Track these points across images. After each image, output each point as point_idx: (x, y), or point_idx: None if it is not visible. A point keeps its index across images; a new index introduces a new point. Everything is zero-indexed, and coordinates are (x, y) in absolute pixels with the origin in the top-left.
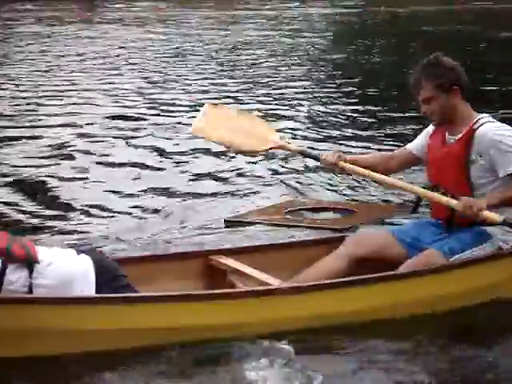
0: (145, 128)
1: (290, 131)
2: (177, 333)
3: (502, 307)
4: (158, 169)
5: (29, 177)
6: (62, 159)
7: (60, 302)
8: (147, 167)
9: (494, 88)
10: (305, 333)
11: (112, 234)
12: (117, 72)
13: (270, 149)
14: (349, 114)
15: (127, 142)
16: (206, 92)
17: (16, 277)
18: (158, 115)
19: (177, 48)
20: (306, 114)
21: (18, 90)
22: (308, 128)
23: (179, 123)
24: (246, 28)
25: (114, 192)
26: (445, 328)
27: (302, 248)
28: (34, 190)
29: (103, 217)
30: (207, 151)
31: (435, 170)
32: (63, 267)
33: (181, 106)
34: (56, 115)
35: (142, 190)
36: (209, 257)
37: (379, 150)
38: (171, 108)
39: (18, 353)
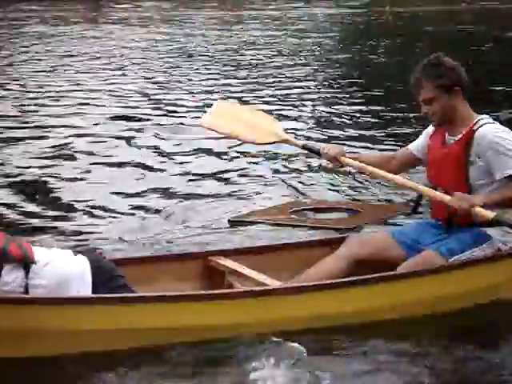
0: (148, 128)
1: (294, 131)
2: (174, 333)
3: (502, 308)
4: (161, 169)
5: (30, 177)
6: (63, 160)
7: (56, 302)
8: (149, 168)
9: (499, 88)
10: (304, 333)
11: (113, 234)
12: (121, 72)
13: (274, 142)
14: (353, 114)
15: (130, 143)
16: (211, 92)
17: (12, 277)
18: (162, 116)
19: (181, 48)
20: (311, 115)
21: (23, 90)
22: (312, 128)
23: (182, 124)
24: (251, 28)
25: (115, 192)
26: (445, 328)
27: (302, 249)
28: (36, 190)
29: (105, 217)
30: (210, 152)
31: (435, 171)
32: (60, 268)
33: (184, 106)
34: (59, 116)
35: (144, 191)
36: (208, 258)
37: (383, 150)
38: (175, 108)
39: (15, 353)
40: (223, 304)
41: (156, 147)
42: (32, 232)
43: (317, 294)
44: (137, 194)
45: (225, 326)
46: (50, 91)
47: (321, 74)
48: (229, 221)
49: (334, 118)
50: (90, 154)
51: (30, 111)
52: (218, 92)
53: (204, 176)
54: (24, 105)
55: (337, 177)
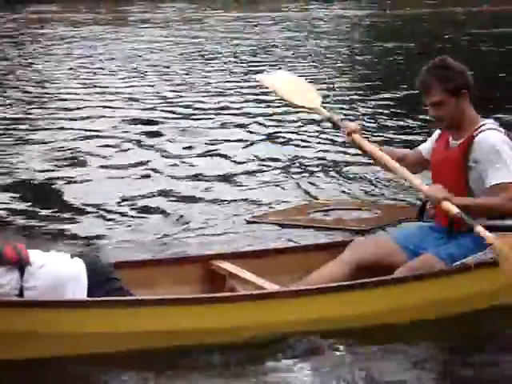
0: (162, 131)
1: (313, 133)
2: (172, 336)
3: (501, 313)
4: (172, 172)
5: (39, 179)
6: (74, 162)
7: (52, 305)
8: (161, 171)
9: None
10: (303, 336)
11: (122, 236)
12: (138, 74)
13: (303, 107)
14: (372, 115)
15: (144, 146)
16: (230, 95)
17: (7, 279)
18: (177, 118)
19: (199, 49)
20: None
21: (40, 92)
22: (333, 133)
23: (198, 127)
24: (271, 30)
25: (124, 195)
26: (444, 333)
27: (304, 253)
28: (42, 192)
29: (112, 219)
30: (223, 154)
31: (436, 174)
32: (55, 270)
33: (201, 109)
34: (74, 119)
35: (155, 193)
36: (209, 261)
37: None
38: (191, 111)
39: (11, 355)
40: (223, 307)
41: (170, 150)
42: (34, 234)
43: (316, 298)
44: (146, 197)
45: (225, 330)
46: (67, 93)
47: (342, 75)
48: (247, 221)
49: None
50: (101, 156)
51: (46, 113)
52: (236, 94)
53: (218, 178)
54: (41, 107)
55: (349, 179)
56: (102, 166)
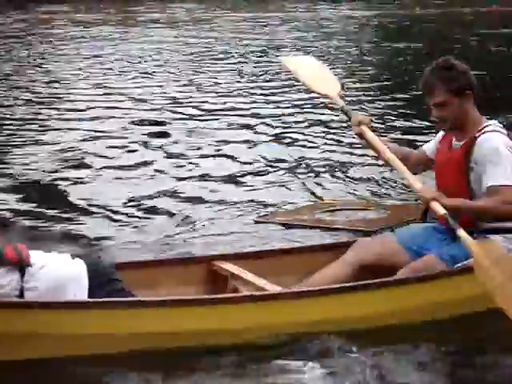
0: (169, 132)
1: (320, 134)
2: (172, 338)
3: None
4: (178, 173)
5: (43, 179)
6: (79, 163)
7: (53, 306)
8: (167, 171)
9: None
10: (306, 338)
11: (124, 237)
12: (147, 75)
13: (319, 93)
14: (381, 116)
15: (150, 147)
16: (238, 96)
17: (7, 280)
18: (185, 119)
19: (208, 50)
20: (340, 118)
21: (50, 93)
22: (340, 134)
23: (205, 128)
24: (280, 30)
25: (128, 195)
26: (447, 334)
27: (308, 253)
28: (46, 192)
29: (116, 220)
30: (230, 156)
31: (439, 174)
32: (56, 271)
33: (209, 110)
34: (83, 120)
35: (160, 194)
36: (212, 262)
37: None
38: (199, 112)
39: (12, 356)
40: (225, 309)
41: (177, 151)
42: (37, 234)
43: (318, 299)
44: (152, 197)
45: (226, 331)
46: (76, 94)
47: (351, 76)
48: (255, 221)
49: None
50: (108, 157)
51: (55, 114)
52: (245, 95)
53: (224, 179)
54: (50, 108)
55: (355, 180)
56: (108, 167)
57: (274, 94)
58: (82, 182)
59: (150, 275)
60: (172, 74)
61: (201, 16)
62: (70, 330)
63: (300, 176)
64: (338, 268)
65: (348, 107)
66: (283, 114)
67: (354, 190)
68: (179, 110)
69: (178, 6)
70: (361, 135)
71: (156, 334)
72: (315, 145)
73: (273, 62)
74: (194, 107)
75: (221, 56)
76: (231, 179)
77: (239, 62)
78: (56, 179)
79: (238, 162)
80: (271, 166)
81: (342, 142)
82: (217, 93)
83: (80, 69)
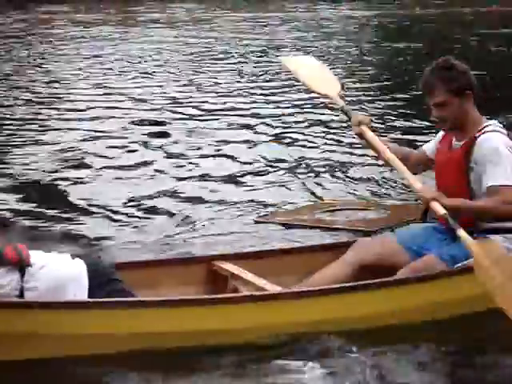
0: (170, 132)
1: (320, 134)
2: (171, 338)
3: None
4: (178, 173)
5: (44, 180)
6: (79, 163)
7: (53, 306)
8: (167, 171)
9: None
10: (306, 338)
11: (124, 237)
12: (147, 75)
13: (320, 93)
14: (382, 116)
15: (150, 147)
16: (239, 96)
17: (7, 280)
18: (185, 119)
19: (208, 50)
20: (341, 118)
21: (50, 93)
22: (340, 134)
23: (205, 128)
24: (280, 30)
25: (128, 196)
26: (447, 334)
27: (308, 253)
28: (46, 192)
29: (116, 220)
30: (230, 156)
31: (439, 175)
32: (56, 271)
33: (209, 110)
34: (83, 120)
35: (160, 194)
36: (212, 262)
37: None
38: (199, 112)
39: (12, 357)
40: (225, 309)
41: (177, 151)
42: (38, 234)
43: (318, 299)
44: (152, 197)
45: (226, 331)
46: (76, 94)
47: (351, 76)
48: (255, 221)
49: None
50: (108, 157)
51: (55, 114)
52: (245, 95)
53: (224, 179)
54: (50, 108)
55: (356, 180)
56: (108, 167)
57: (273, 94)
58: (81, 182)
59: (150, 275)
60: (172, 74)
61: (201, 16)
62: (70, 330)
63: (300, 176)
64: (338, 268)
65: (348, 107)
66: (283, 114)
67: (354, 189)
68: (179, 109)
69: (177, 5)
70: (361, 135)
71: (156, 334)
72: (315, 145)
73: (273, 62)
74: (193, 107)
75: (221, 56)
76: (231, 179)
77: (239, 62)
78: (56, 179)
79: (237, 162)
80: (271, 166)
81: (341, 142)
82: (217, 93)
83: (80, 69)
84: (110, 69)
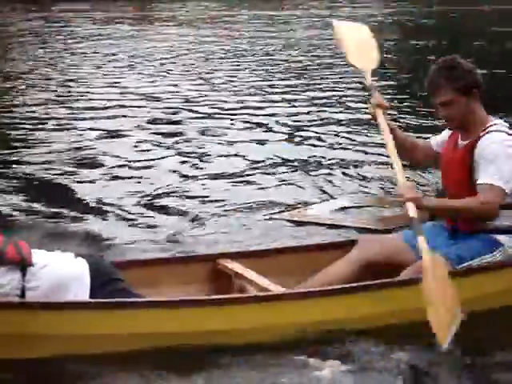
0: (184, 131)
1: (336, 133)
2: (172, 338)
3: (504, 314)
4: (190, 171)
5: (55, 178)
6: (91, 162)
7: (54, 306)
8: (179, 170)
9: None
10: (309, 338)
11: (132, 235)
12: (164, 73)
13: (354, 66)
14: (399, 114)
15: (164, 145)
16: (254, 95)
17: (8, 279)
18: (199, 118)
19: (225, 48)
20: (353, 117)
21: (66, 91)
22: (357, 132)
23: (219, 127)
24: (298, 28)
25: (138, 194)
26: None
27: (313, 252)
28: (56, 191)
29: (126, 219)
30: (242, 155)
31: (445, 173)
32: (58, 270)
33: (223, 108)
34: (97, 119)
35: (171, 192)
36: (216, 260)
37: None
38: (214, 111)
39: (12, 356)
40: (229, 309)
41: (190, 150)
42: (43, 233)
43: (321, 300)
44: (162, 196)
45: (232, 332)
46: (91, 92)
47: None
48: (268, 218)
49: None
50: (120, 156)
51: (70, 113)
52: (259, 94)
53: (236, 178)
54: (65, 107)
55: (368, 178)
56: (120, 166)
57: (287, 93)
58: (93, 181)
59: (154, 274)
60: (188, 72)
61: (218, 14)
62: (71, 330)
63: (313, 175)
64: (344, 266)
65: (374, 86)
66: (298, 113)
67: (367, 187)
68: (193, 108)
69: (195, 3)
70: (374, 117)
71: (158, 334)
72: (329, 143)
73: (289, 60)
74: (208, 106)
75: (237, 54)
76: (243, 178)
77: (255, 61)
78: (68, 178)
79: (249, 160)
80: (283, 165)
81: (354, 140)
82: (232, 91)
83: (97, 67)
84: (126, 67)
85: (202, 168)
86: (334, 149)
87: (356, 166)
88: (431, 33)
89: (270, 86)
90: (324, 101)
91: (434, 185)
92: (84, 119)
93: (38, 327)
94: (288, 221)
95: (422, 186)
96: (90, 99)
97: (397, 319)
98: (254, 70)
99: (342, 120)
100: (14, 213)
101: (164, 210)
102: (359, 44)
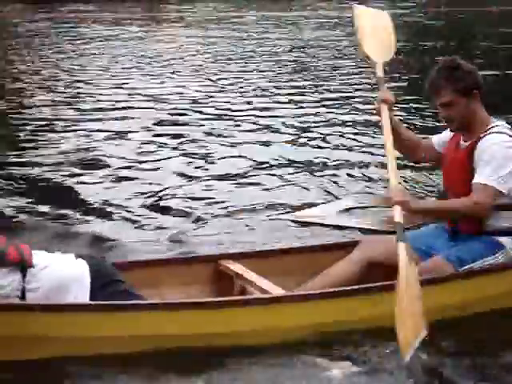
0: (189, 133)
1: (341, 133)
2: (174, 340)
3: (504, 315)
4: (195, 173)
5: (58, 180)
6: (96, 164)
7: (54, 309)
8: (184, 172)
9: None
10: (307, 341)
11: (136, 236)
12: (172, 75)
13: (367, 56)
14: (407, 116)
15: (168, 147)
16: (262, 96)
17: (8, 280)
18: (206, 119)
19: (234, 49)
20: (361, 118)
21: (73, 93)
22: (363, 133)
23: (225, 128)
24: (306, 28)
25: (142, 195)
26: (447, 334)
27: (315, 252)
28: (60, 193)
29: (129, 219)
30: (248, 158)
31: (446, 175)
32: (58, 271)
33: (230, 110)
34: (104, 120)
35: (175, 194)
36: (218, 261)
37: None
38: (220, 112)
39: (12, 357)
40: (231, 312)
41: (196, 151)
42: (45, 234)
43: (321, 303)
44: (167, 197)
45: (233, 334)
46: (98, 94)
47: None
48: (276, 220)
49: None
50: (125, 157)
51: (77, 114)
52: (268, 95)
53: (241, 179)
54: (72, 108)
55: (375, 180)
56: (125, 167)
57: (296, 94)
58: (97, 182)
59: (156, 274)
60: (196, 73)
61: (226, 15)
62: (72, 332)
63: (317, 175)
64: (346, 267)
65: (383, 80)
66: (306, 114)
67: (373, 189)
68: (201, 109)
69: (203, 4)
70: (378, 112)
71: (160, 336)
72: (334, 144)
73: (297, 60)
74: (215, 107)
75: (244, 56)
76: (248, 178)
77: (263, 62)
78: (73, 179)
79: (255, 161)
80: (289, 166)
81: (360, 141)
82: (239, 92)
83: (104, 69)
84: (134, 68)
85: (207, 169)
86: (340, 150)
87: (361, 167)
88: (439, 34)
89: (278, 88)
90: (331, 102)
91: (436, 185)
92: (91, 120)
93: (38, 329)
94: (293, 221)
95: (426, 186)
96: (98, 100)
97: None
98: (261, 71)
99: (348, 121)
100: (18, 213)
101: (168, 210)
102: (376, 32)
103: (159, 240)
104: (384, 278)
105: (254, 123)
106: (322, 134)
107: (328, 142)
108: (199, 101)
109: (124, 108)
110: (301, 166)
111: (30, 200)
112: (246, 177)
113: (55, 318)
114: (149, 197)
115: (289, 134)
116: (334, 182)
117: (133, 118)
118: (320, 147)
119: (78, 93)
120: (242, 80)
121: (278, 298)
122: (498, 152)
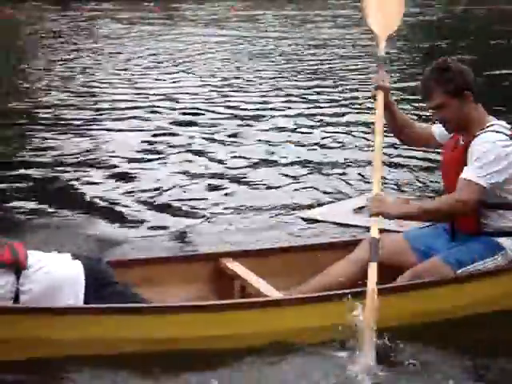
0: (202, 132)
1: (360, 134)
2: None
3: (504, 315)
4: (204, 171)
5: (63, 179)
6: (96, 163)
7: (45, 312)
8: (194, 171)
9: None
10: (309, 343)
11: (139, 234)
12: (185, 74)
13: (372, 31)
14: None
15: (178, 145)
16: (276, 96)
17: (4, 281)
18: (220, 119)
19: (249, 48)
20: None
21: (87, 92)
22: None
23: (238, 128)
24: (322, 27)
25: (149, 194)
26: (447, 334)
27: (316, 251)
28: (62, 192)
29: (133, 217)
30: (264, 161)
31: (445, 174)
32: (52, 272)
33: (245, 109)
34: (117, 119)
35: (180, 193)
36: (218, 259)
37: None
38: (234, 112)
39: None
40: (229, 314)
41: (207, 150)
42: (46, 233)
43: (319, 305)
44: (172, 197)
45: (229, 337)
46: (112, 93)
47: (393, 75)
48: (282, 217)
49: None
50: (127, 157)
51: (89, 114)
52: (283, 95)
53: (253, 179)
54: (86, 107)
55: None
56: (129, 166)
57: (311, 94)
58: (100, 182)
59: (156, 273)
60: (211, 72)
61: (243, 14)
62: (70, 335)
63: (327, 176)
64: (345, 266)
65: (383, 61)
66: (320, 114)
67: (383, 188)
68: (215, 109)
69: (220, 3)
70: (374, 97)
71: (160, 338)
72: (345, 144)
73: (314, 60)
74: (229, 107)
75: (262, 54)
76: (259, 178)
77: (280, 61)
78: (78, 179)
79: (265, 160)
80: (299, 165)
81: (373, 141)
82: (255, 92)
83: (120, 67)
84: (149, 67)
85: (213, 168)
86: (351, 149)
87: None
88: (456, 32)
89: (293, 87)
90: (346, 102)
91: (436, 186)
92: (106, 119)
93: (33, 331)
94: (302, 219)
95: (426, 186)
96: (113, 100)
97: (396, 321)
98: (277, 71)
99: (359, 121)
100: (18, 213)
101: (171, 209)
102: (384, 6)
103: (160, 238)
104: (385, 277)
105: (266, 122)
106: (333, 132)
107: (338, 142)
108: (214, 100)
109: (137, 108)
110: (311, 165)
111: (31, 200)
112: (255, 176)
113: (51, 321)
114: (151, 196)
115: (301, 133)
116: (345, 181)
117: (149, 119)
118: (330, 147)
119: (94, 92)
120: (257, 79)
121: (276, 302)
122: (490, 150)
